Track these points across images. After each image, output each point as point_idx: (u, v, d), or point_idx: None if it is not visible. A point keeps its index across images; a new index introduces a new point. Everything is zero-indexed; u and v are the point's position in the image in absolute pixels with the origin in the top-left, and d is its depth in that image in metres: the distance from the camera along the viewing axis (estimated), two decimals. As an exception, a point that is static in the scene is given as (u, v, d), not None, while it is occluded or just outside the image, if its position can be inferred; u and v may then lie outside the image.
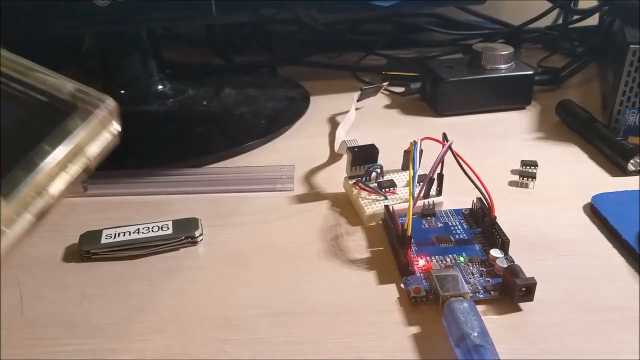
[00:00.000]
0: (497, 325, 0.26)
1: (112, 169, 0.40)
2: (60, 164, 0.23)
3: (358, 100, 0.51)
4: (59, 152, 0.23)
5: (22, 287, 0.30)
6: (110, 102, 0.24)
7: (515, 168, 0.40)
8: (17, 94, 0.24)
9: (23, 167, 0.22)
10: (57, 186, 0.23)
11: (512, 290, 0.28)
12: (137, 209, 0.37)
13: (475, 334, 0.24)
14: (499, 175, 0.40)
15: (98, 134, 0.24)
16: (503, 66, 0.51)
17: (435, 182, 0.35)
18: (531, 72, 0.51)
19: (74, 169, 0.23)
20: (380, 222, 0.35)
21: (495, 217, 0.32)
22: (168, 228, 0.33)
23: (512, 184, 0.39)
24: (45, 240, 0.34)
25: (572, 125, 0.47)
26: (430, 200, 0.35)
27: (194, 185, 0.39)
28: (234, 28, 0.73)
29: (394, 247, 0.32)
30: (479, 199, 0.34)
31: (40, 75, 0.24)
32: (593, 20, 0.62)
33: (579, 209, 0.36)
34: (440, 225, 0.34)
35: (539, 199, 0.37)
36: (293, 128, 0.49)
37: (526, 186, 0.39)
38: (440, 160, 0.33)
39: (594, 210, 0.35)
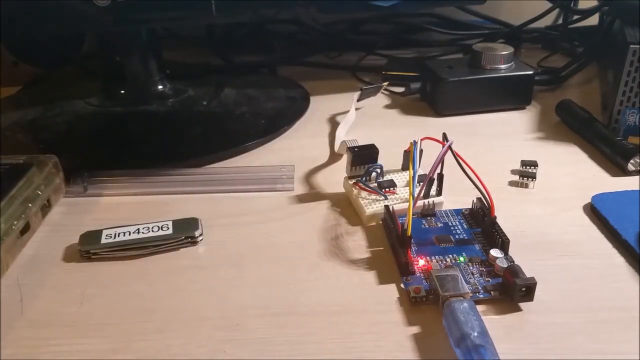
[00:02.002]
0: (497, 325, 0.26)
1: (112, 168, 0.40)
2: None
3: (358, 100, 0.51)
4: None
5: (22, 287, 0.30)
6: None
7: (515, 168, 0.40)
8: None
9: None
10: None
11: (512, 290, 0.28)
12: (137, 209, 0.37)
13: (475, 334, 0.24)
14: (499, 175, 0.40)
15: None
16: (503, 66, 0.51)
17: (435, 182, 0.35)
18: (531, 72, 0.51)
19: None
20: (380, 222, 0.35)
21: (495, 217, 0.32)
22: (168, 228, 0.33)
23: (512, 184, 0.39)
24: (45, 240, 0.34)
25: (572, 125, 0.47)
26: (430, 200, 0.35)
27: (193, 185, 0.39)
28: (234, 28, 0.73)
29: (394, 247, 0.32)
30: (479, 199, 0.34)
31: None
32: (593, 20, 0.62)
33: (579, 209, 0.36)
34: (440, 225, 0.34)
35: (539, 199, 0.37)
36: (293, 128, 0.49)
37: (526, 186, 0.39)
38: (440, 160, 0.33)
39: (594, 210, 0.35)
